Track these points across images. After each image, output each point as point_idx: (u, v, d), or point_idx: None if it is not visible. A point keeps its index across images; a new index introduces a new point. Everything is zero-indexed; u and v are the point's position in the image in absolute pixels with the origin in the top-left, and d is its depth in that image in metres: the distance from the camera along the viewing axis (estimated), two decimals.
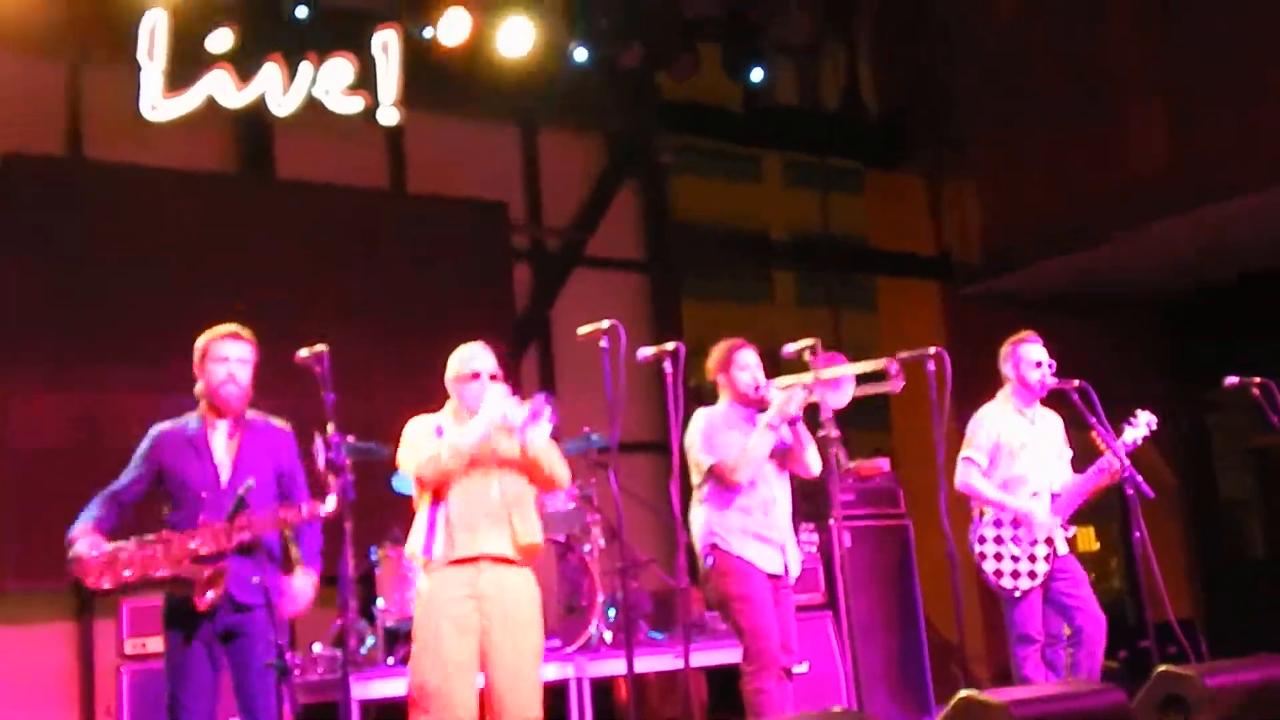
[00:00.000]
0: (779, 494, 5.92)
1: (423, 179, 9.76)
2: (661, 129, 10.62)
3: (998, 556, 6.33)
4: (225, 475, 4.99)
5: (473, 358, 5.41)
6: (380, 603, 7.20)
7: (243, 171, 9.16)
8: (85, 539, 4.82)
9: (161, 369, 8.17)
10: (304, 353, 5.07)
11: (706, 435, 5.87)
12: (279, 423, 5.24)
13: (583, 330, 5.61)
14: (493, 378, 5.37)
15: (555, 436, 5.39)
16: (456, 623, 5.04)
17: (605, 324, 5.52)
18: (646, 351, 5.72)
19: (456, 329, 9.37)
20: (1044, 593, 6.33)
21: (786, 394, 5.79)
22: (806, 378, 5.79)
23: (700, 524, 5.91)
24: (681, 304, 10.79)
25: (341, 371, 5.07)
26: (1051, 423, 6.65)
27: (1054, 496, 6.45)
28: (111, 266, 8.33)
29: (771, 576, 5.81)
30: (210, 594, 4.73)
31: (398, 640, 7.18)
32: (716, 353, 6.11)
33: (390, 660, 7.05)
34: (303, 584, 5.03)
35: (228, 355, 5.10)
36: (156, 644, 6.26)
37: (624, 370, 5.48)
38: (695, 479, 5.96)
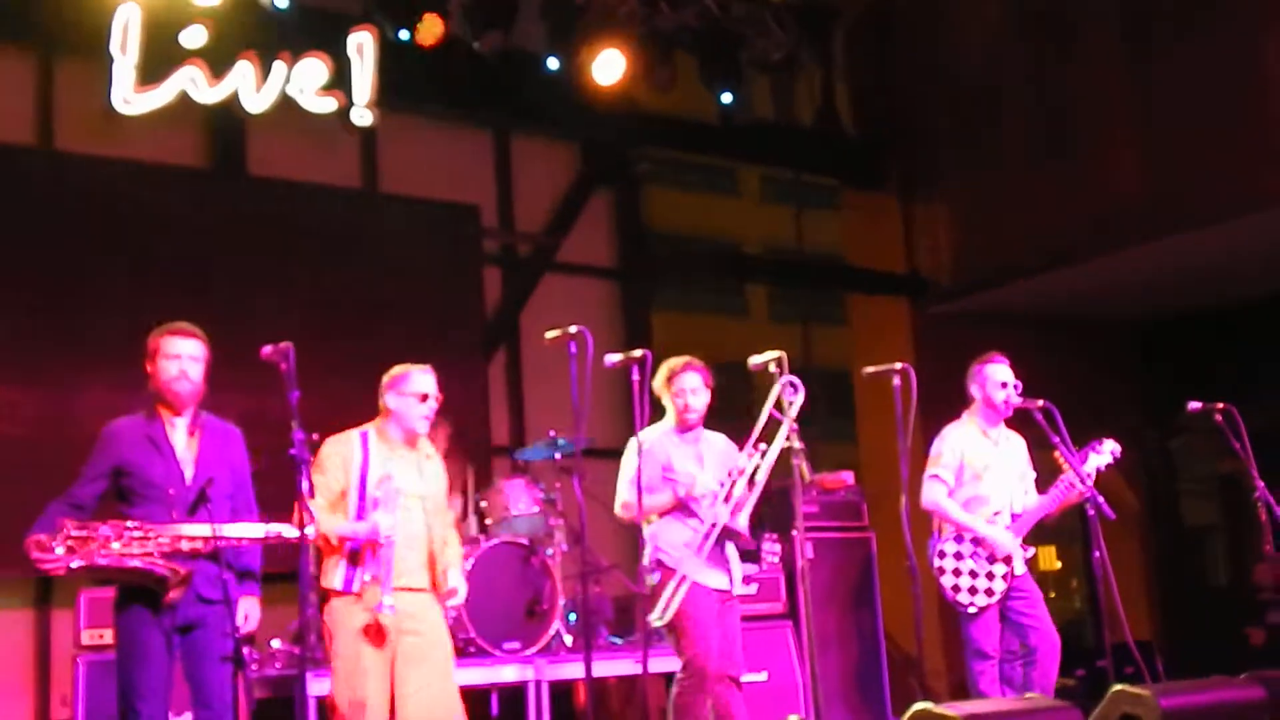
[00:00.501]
0: (723, 513, 5.96)
1: (395, 180, 9.79)
2: (637, 139, 10.65)
3: (956, 572, 6.40)
4: (189, 473, 5.01)
5: (420, 379, 5.51)
6: None
7: (215, 167, 9.16)
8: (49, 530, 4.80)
9: (130, 365, 8.16)
10: (269, 349, 5.07)
11: (635, 466, 5.92)
12: (230, 424, 5.28)
13: (550, 334, 5.65)
14: (438, 400, 5.46)
15: (521, 442, 5.45)
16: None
17: (573, 329, 5.55)
18: (614, 358, 5.77)
19: (426, 330, 9.52)
20: (1000, 611, 6.39)
21: (705, 490, 5.92)
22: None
23: (648, 538, 5.98)
24: (652, 314, 10.84)
25: (308, 369, 5.08)
26: (1015, 444, 6.71)
27: (1014, 517, 6.51)
28: (80, 260, 8.33)
29: (717, 590, 5.87)
30: (176, 591, 4.74)
31: None
32: (663, 370, 6.16)
33: None
34: (251, 606, 5.13)
35: (179, 352, 5.12)
36: (111, 635, 6.25)
37: (591, 376, 5.52)
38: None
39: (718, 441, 6.17)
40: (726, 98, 9.82)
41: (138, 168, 8.65)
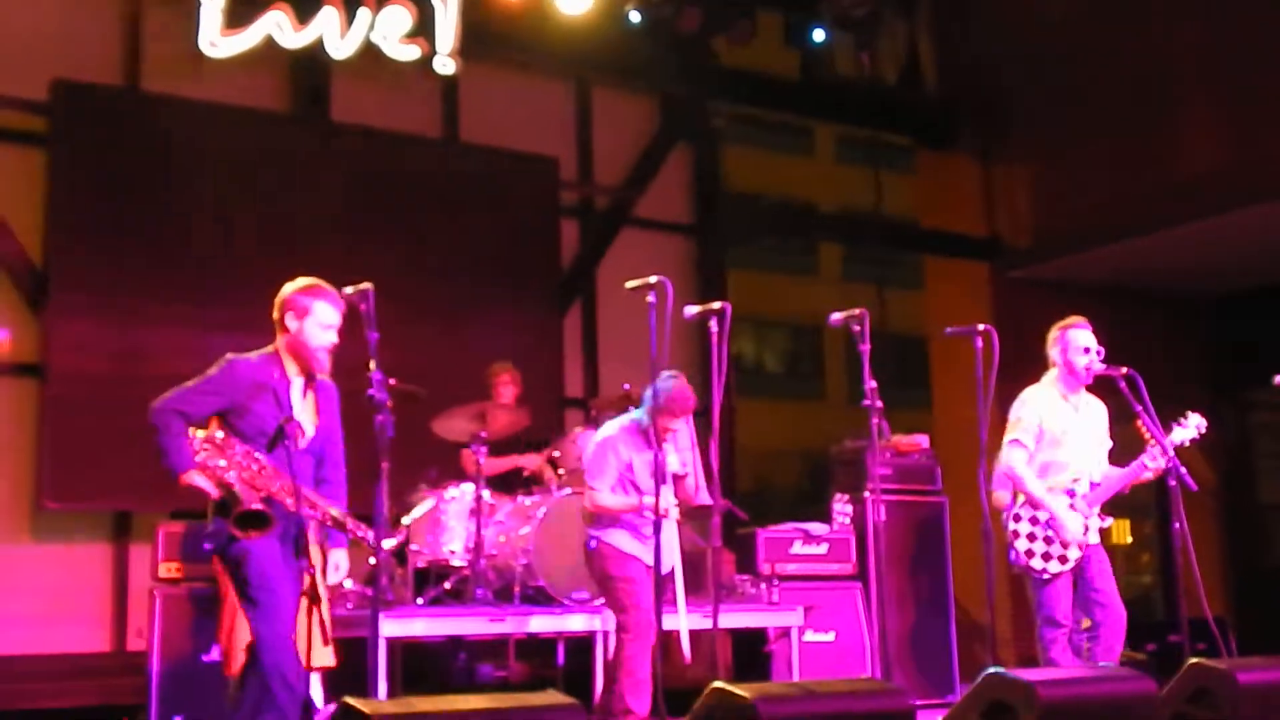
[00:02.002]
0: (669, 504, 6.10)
1: (475, 130, 9.76)
2: (716, 94, 10.56)
3: (1030, 537, 6.29)
4: (308, 434, 4.97)
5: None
6: (412, 544, 7.24)
7: (297, 112, 9.19)
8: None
9: (205, 307, 8.35)
10: (349, 290, 5.04)
11: (598, 456, 6.12)
12: (329, 380, 5.17)
13: (631, 283, 5.59)
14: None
15: (594, 394, 5.40)
16: None
17: (653, 279, 5.50)
18: (693, 309, 5.71)
19: (502, 280, 9.53)
20: (1074, 580, 6.28)
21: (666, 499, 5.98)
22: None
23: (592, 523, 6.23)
24: (726, 271, 10.77)
25: (385, 314, 5.05)
26: (1096, 410, 6.58)
27: (1093, 485, 6.39)
28: (161, 199, 8.40)
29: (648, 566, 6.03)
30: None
31: (428, 581, 7.22)
32: (663, 386, 6.10)
33: (420, 600, 7.10)
34: (341, 558, 5.12)
35: (333, 323, 4.99)
36: (191, 569, 6.34)
37: (669, 326, 5.46)
38: None
39: (682, 438, 6.17)
40: (819, 34, 9.70)
41: (222, 110, 8.70)
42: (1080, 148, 10.50)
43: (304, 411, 4.99)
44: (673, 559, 6.16)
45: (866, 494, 7.88)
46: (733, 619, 6.89)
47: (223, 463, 4.74)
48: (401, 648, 6.82)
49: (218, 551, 4.88)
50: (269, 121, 9.02)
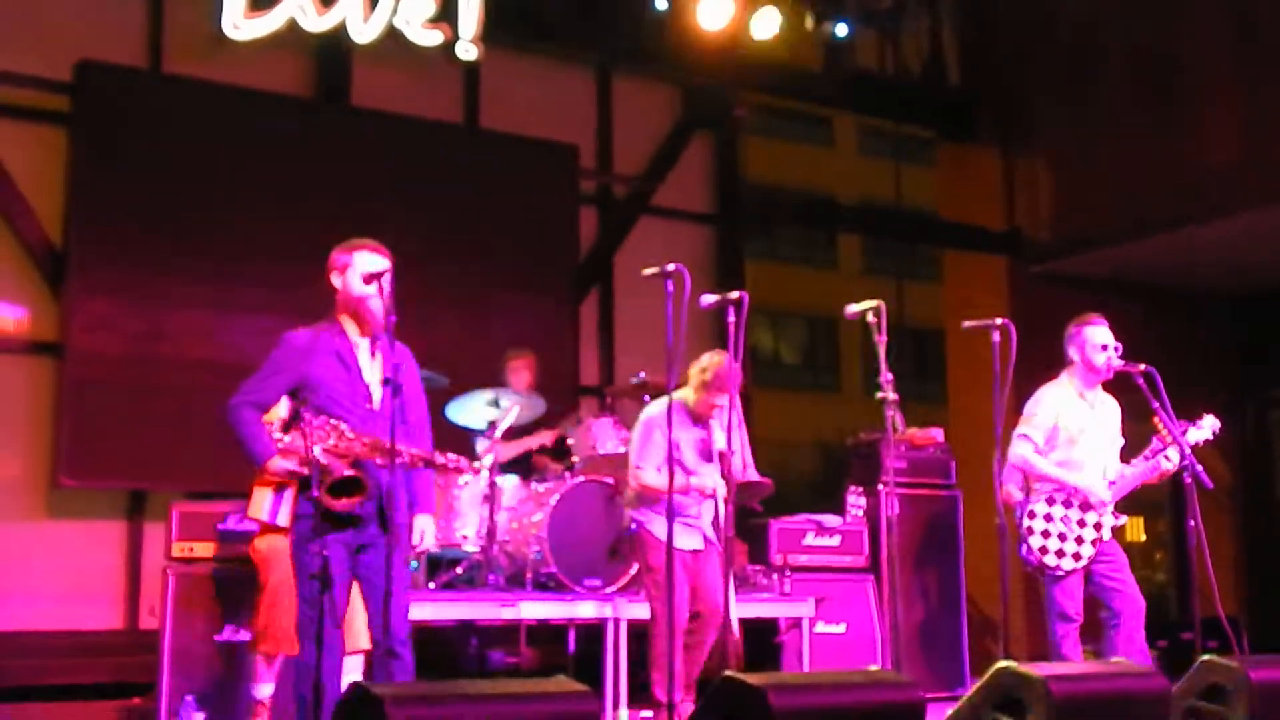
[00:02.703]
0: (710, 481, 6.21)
1: (496, 116, 9.76)
2: (738, 84, 10.54)
3: (1045, 534, 6.28)
4: (376, 396, 4.89)
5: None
6: None
7: (318, 96, 9.19)
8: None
9: (224, 289, 8.38)
10: (369, 273, 5.01)
11: (643, 436, 6.20)
12: (401, 343, 5.01)
13: (648, 271, 5.58)
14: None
15: (610, 382, 5.40)
16: None
17: (671, 267, 5.49)
18: (710, 298, 5.69)
19: (520, 267, 9.53)
20: (1085, 575, 6.28)
21: (713, 483, 6.11)
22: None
23: (634, 502, 6.34)
24: (744, 262, 10.75)
25: (403, 299, 5.04)
26: (1110, 408, 6.56)
27: (1109, 484, 6.37)
28: (181, 181, 8.41)
29: (690, 551, 6.11)
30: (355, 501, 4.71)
31: (440, 566, 7.24)
32: (709, 368, 6.11)
33: (431, 585, 7.11)
34: (427, 524, 5.03)
35: (379, 270, 4.88)
36: (204, 549, 6.37)
37: (685, 315, 5.45)
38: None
39: (726, 416, 6.16)
40: (842, 29, 9.70)
41: (243, 93, 8.70)
42: (1102, 141, 10.46)
43: (373, 373, 4.91)
44: (709, 532, 6.28)
45: (880, 487, 7.90)
46: (745, 609, 6.89)
47: (302, 440, 4.68)
48: (416, 634, 6.82)
49: (296, 542, 4.78)
50: (290, 105, 9.02)
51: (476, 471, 4.93)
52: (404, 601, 4.81)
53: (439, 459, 4.90)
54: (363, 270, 4.87)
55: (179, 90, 8.55)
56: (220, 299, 8.40)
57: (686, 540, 6.19)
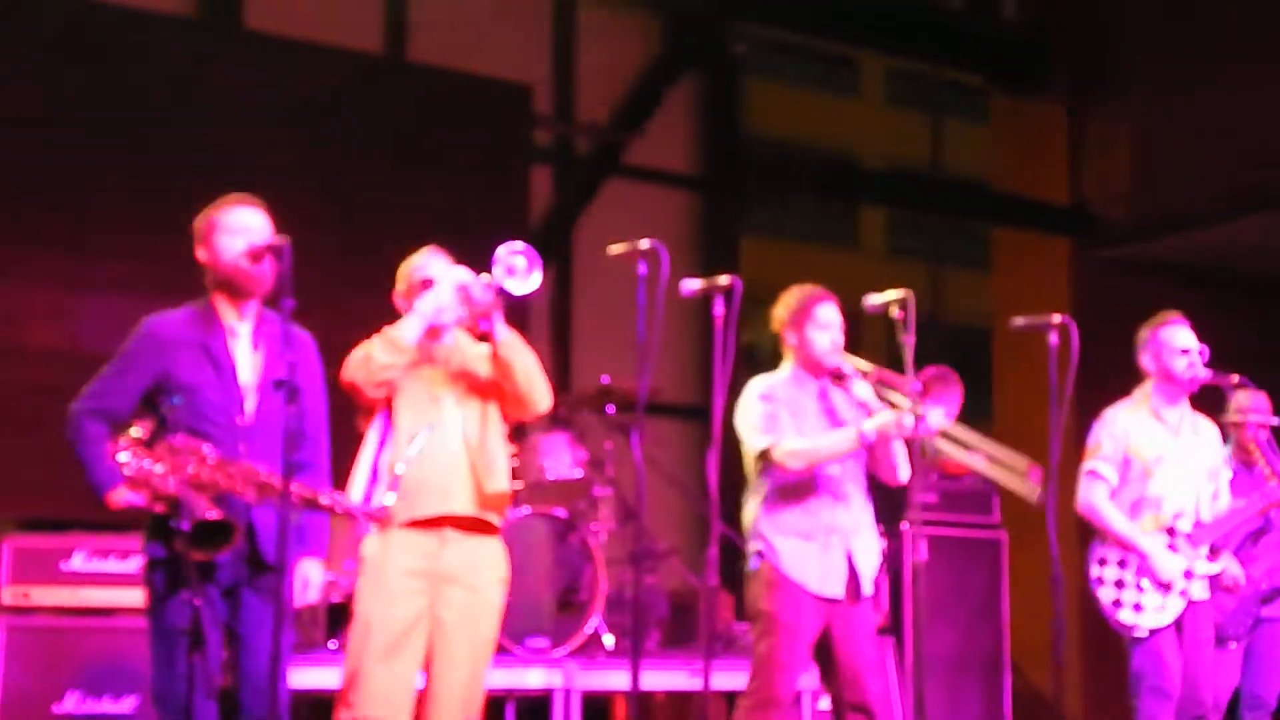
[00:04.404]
0: (853, 490, 5.89)
1: (427, 48, 9.79)
2: (736, 12, 10.56)
3: (1119, 584, 6.29)
4: (251, 404, 4.83)
5: (423, 264, 5.34)
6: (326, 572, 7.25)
7: (204, 17, 9.20)
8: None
9: (80, 259, 8.35)
10: (260, 243, 5.01)
11: (765, 410, 5.84)
12: (298, 328, 4.94)
13: (615, 248, 5.59)
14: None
15: (566, 385, 5.39)
16: (400, 599, 5.06)
17: (644, 244, 5.50)
18: (693, 284, 5.69)
19: (455, 238, 9.41)
20: (1178, 633, 6.29)
21: (895, 414, 5.74)
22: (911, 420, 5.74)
23: (750, 520, 5.93)
24: (740, 237, 10.78)
25: (305, 276, 5.03)
26: (1203, 431, 6.58)
27: (1199, 525, 6.40)
28: (30, 122, 8.36)
29: (828, 600, 5.81)
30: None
31: (345, 619, 7.22)
32: (790, 301, 6.06)
33: (332, 644, 7.11)
34: (312, 571, 4.96)
35: (247, 225, 4.84)
36: (44, 595, 6.34)
37: (662, 305, 5.47)
38: (749, 464, 5.96)
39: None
40: None
41: (110, 10, 8.71)
42: (1196, 99, 10.51)
43: (252, 373, 4.85)
44: (867, 574, 5.86)
45: (905, 525, 7.92)
46: (728, 678, 6.90)
47: (158, 466, 4.57)
48: (308, 704, 6.82)
49: (151, 596, 4.76)
50: (168, 26, 9.02)
51: (374, 520, 4.90)
52: (284, 666, 4.80)
53: (324, 499, 4.79)
54: (239, 234, 4.84)
55: (33, 5, 8.50)
56: (75, 272, 8.38)
57: (825, 580, 5.76)
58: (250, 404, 4.81)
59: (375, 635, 5.02)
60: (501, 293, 5.11)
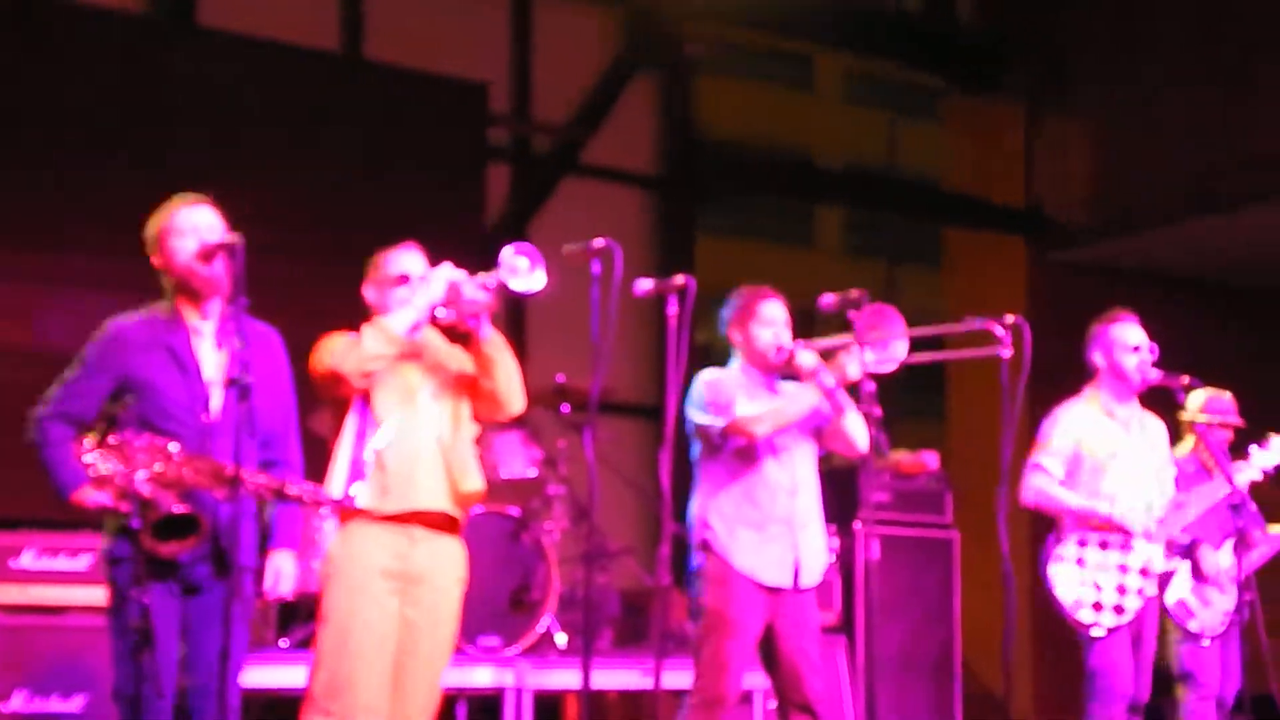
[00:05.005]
0: (803, 476, 5.90)
1: (383, 45, 9.77)
2: (692, 11, 10.57)
3: (1078, 582, 6.33)
4: (216, 403, 4.83)
5: (398, 259, 5.33)
6: None
7: (157, 15, 9.18)
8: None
9: (43, 257, 8.29)
10: (213, 241, 5.00)
11: (713, 395, 5.85)
12: (264, 324, 5.01)
13: (569, 248, 5.60)
14: None
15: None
16: (378, 601, 5.04)
17: (599, 243, 5.51)
18: (646, 284, 5.70)
19: (410, 237, 9.44)
20: (1134, 634, 6.32)
21: (846, 353, 5.74)
22: (849, 339, 5.75)
23: (695, 510, 5.92)
24: (695, 236, 10.79)
25: (260, 274, 5.02)
26: (1152, 429, 6.63)
27: (1155, 520, 6.43)
28: (5, 115, 8.33)
29: (771, 590, 5.81)
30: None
31: (295, 618, 7.21)
32: (736, 299, 6.09)
33: (283, 642, 7.09)
34: (285, 562, 4.99)
35: (198, 224, 4.85)
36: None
37: (616, 306, 5.47)
38: (695, 451, 5.96)
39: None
40: None
41: (64, 8, 8.68)
42: (1151, 102, 10.57)
43: (217, 371, 4.85)
44: (813, 565, 5.83)
45: (858, 525, 7.94)
46: (681, 677, 6.90)
47: (123, 466, 4.57)
48: (259, 704, 6.80)
49: (113, 593, 4.74)
50: (120, 25, 8.97)
51: (344, 511, 4.89)
52: (238, 666, 4.79)
53: (292, 489, 4.80)
54: (189, 235, 4.84)
55: None
56: (38, 270, 8.34)
57: (771, 569, 5.74)
58: (215, 402, 4.81)
59: (357, 640, 4.96)
60: (506, 291, 5.10)
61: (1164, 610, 6.59)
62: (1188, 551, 6.74)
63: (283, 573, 4.98)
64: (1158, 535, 6.39)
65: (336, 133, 9.33)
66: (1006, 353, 5.81)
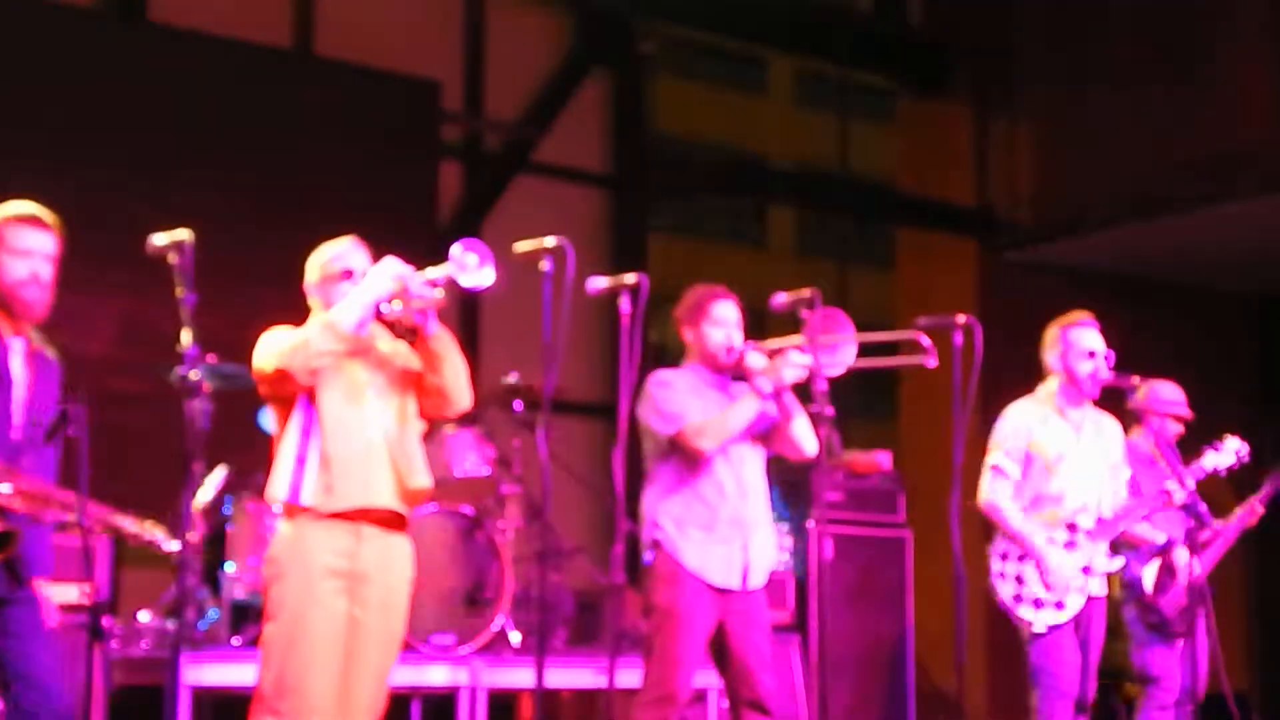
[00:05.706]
0: (751, 479, 5.90)
1: (335, 41, 9.74)
2: (645, 11, 10.57)
3: (1018, 579, 6.34)
4: (18, 417, 4.79)
5: (343, 254, 5.28)
6: (230, 568, 7.17)
7: (106, 9, 9.12)
8: None
9: None
10: (159, 240, 4.95)
11: (663, 399, 5.85)
12: (47, 349, 4.99)
13: (521, 246, 5.57)
14: None
15: (473, 383, 5.33)
16: (327, 600, 4.99)
17: (551, 242, 5.48)
18: (599, 282, 5.69)
19: (362, 234, 9.41)
20: (1076, 630, 6.34)
21: (783, 358, 5.76)
22: (799, 340, 5.76)
23: (646, 509, 5.92)
24: (648, 235, 10.79)
25: (208, 271, 4.98)
26: (1105, 430, 6.64)
27: (1100, 521, 6.44)
28: None
29: (723, 592, 5.81)
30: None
31: (248, 617, 7.16)
32: (688, 299, 6.08)
33: (236, 640, 7.04)
34: (51, 592, 4.93)
35: (30, 247, 4.83)
36: None
37: (569, 304, 5.45)
38: (648, 454, 5.95)
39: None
40: None
41: (9, 2, 8.58)
42: (1101, 102, 10.61)
43: (22, 387, 4.82)
44: (760, 566, 5.84)
45: (810, 524, 7.95)
46: (634, 677, 6.89)
47: None
48: (211, 702, 6.76)
49: None
50: (69, 19, 8.90)
51: (158, 548, 4.86)
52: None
53: (122, 523, 4.80)
54: (22, 258, 4.80)
55: None
56: None
57: (720, 570, 5.77)
58: (18, 419, 4.77)
59: (305, 641, 4.91)
60: (455, 287, 5.05)
61: (1119, 611, 6.62)
62: (1162, 551, 6.78)
63: (50, 604, 4.88)
64: (1103, 534, 6.42)
65: (288, 129, 9.30)
66: (932, 363, 5.82)
